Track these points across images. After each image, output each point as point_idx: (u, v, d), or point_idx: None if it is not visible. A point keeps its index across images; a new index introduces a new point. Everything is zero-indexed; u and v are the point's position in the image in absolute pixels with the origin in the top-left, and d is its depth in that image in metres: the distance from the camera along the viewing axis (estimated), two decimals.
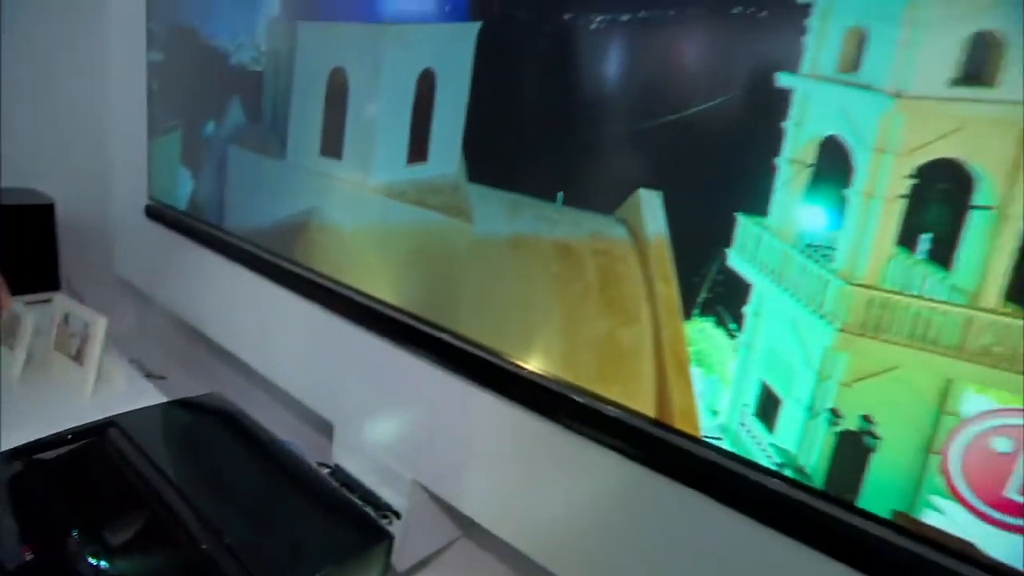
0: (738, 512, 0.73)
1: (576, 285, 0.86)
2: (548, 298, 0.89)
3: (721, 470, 0.74)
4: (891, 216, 0.61)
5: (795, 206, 0.67)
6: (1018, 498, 0.56)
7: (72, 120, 1.86)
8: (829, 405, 0.66)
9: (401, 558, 1.13)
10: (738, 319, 0.72)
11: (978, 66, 0.56)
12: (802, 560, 0.68)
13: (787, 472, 0.70)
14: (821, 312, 0.66)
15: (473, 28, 0.93)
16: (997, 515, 0.58)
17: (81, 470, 1.01)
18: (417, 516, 1.14)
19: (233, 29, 1.39)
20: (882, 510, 0.64)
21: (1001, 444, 0.57)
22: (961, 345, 0.58)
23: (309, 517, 0.99)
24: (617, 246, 0.82)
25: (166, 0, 1.59)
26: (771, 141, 0.68)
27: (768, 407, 0.71)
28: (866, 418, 0.64)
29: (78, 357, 1.37)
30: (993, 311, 0.57)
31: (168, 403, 1.24)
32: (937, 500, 0.61)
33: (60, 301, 1.45)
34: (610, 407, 0.83)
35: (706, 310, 0.75)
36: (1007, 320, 0.56)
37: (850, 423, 0.65)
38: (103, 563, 0.83)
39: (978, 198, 0.57)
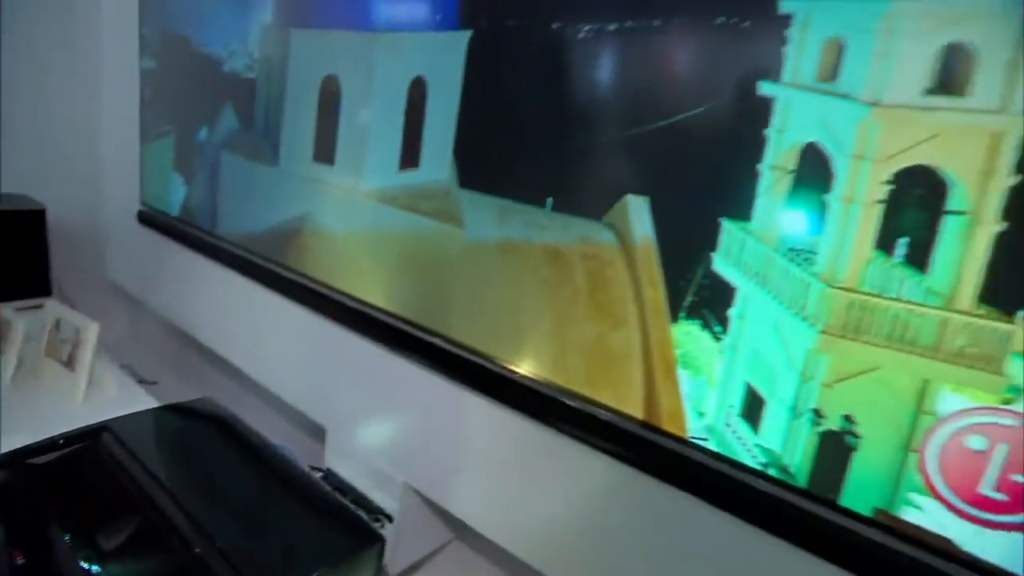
0: (725, 512, 0.74)
1: (565, 289, 0.87)
2: (538, 302, 0.90)
3: (708, 471, 0.76)
4: (870, 221, 0.63)
5: (777, 211, 0.69)
6: (993, 495, 0.58)
7: (64, 126, 1.86)
8: (812, 405, 0.68)
9: (393, 561, 1.14)
10: (723, 322, 0.74)
11: (951, 76, 0.58)
12: (788, 559, 0.70)
13: (772, 472, 0.71)
14: (803, 314, 0.68)
15: (464, 37, 0.95)
16: (973, 511, 0.59)
17: (73, 475, 1.01)
18: (409, 519, 1.14)
19: (226, 37, 1.40)
20: (864, 508, 0.65)
21: (976, 442, 0.59)
22: (937, 346, 0.60)
23: (301, 521, 0.99)
24: (605, 251, 0.83)
25: (159, 8, 1.60)
26: (754, 148, 0.70)
27: (753, 408, 0.73)
28: (847, 418, 0.66)
29: (69, 363, 1.37)
30: (968, 313, 0.58)
31: (160, 408, 1.24)
32: (916, 498, 0.62)
33: (51, 307, 1.45)
34: (600, 410, 0.85)
35: (692, 313, 0.76)
36: (981, 322, 0.58)
37: (832, 423, 0.67)
38: (95, 567, 0.83)
39: (952, 203, 0.59)
